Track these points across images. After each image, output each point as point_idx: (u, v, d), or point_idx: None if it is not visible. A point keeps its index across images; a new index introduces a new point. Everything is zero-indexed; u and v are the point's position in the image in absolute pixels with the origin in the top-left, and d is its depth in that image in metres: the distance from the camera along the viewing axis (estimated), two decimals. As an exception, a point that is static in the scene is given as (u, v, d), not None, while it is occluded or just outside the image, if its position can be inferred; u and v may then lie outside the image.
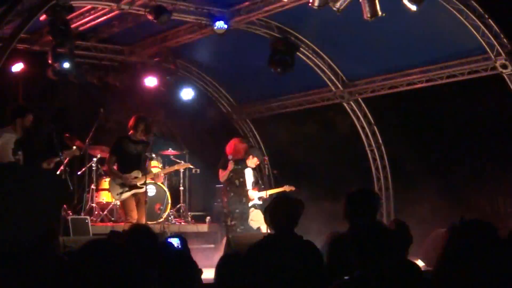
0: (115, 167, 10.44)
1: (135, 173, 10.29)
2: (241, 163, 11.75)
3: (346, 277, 4.29)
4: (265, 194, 12.04)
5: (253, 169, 12.10)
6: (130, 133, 10.37)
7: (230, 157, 11.60)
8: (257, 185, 12.25)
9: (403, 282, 4.07)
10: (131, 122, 10.37)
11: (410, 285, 4.13)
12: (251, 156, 11.91)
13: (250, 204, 11.86)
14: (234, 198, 11.61)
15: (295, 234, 5.65)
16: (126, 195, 10.19)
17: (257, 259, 5.31)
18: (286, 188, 12.28)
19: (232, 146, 11.76)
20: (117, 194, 10.24)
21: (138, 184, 10.25)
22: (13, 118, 9.47)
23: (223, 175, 11.68)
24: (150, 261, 4.64)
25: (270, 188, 12.68)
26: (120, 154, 10.34)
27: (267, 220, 5.85)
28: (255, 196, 12.03)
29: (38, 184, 7.58)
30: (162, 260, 4.63)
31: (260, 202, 12.02)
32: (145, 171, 10.44)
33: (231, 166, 11.58)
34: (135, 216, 10.09)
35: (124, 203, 10.28)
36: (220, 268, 4.74)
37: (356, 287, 4.14)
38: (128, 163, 10.33)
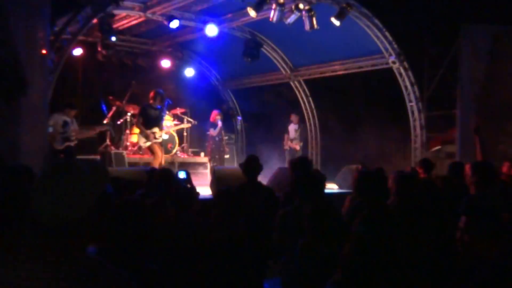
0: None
1: (154, 129, 10.37)
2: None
3: (289, 207, 4.31)
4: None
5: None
6: (150, 102, 10.37)
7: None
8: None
9: (324, 206, 3.71)
10: (151, 94, 10.34)
11: (326, 206, 3.74)
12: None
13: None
14: (214, 149, 12.04)
15: (259, 182, 5.58)
16: (148, 143, 10.31)
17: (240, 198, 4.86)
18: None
19: (213, 115, 12.12)
20: (143, 143, 10.37)
21: (157, 136, 10.37)
22: (64, 107, 9.49)
23: (212, 134, 11.99)
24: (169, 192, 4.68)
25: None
26: (144, 116, 10.32)
27: (243, 171, 5.58)
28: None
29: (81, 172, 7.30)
30: (175, 188, 4.57)
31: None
32: (161, 128, 10.56)
33: (213, 131, 11.93)
34: (158, 155, 10.23)
35: (150, 148, 10.37)
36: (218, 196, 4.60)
37: (295, 213, 4.16)
38: (149, 123, 10.30)
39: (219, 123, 12.06)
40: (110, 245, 2.37)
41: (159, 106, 10.51)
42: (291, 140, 12.84)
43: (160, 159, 10.16)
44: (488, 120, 10.51)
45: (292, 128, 12.94)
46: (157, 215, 2.56)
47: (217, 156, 12.01)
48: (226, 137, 12.87)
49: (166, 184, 4.62)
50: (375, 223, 2.54)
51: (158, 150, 10.31)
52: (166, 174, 4.84)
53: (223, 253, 2.00)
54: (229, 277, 1.97)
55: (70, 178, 1.65)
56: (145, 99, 10.70)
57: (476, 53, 10.61)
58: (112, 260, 1.89)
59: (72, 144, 9.56)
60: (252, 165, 5.51)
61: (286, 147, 12.89)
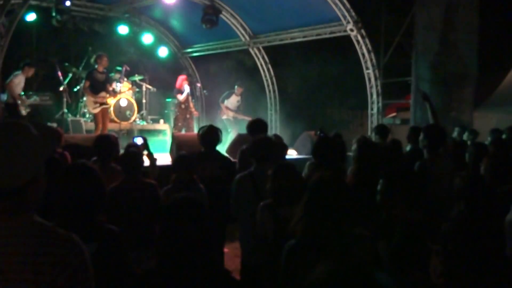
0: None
1: (102, 94, 10.24)
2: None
3: (246, 171, 4.23)
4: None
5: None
6: (96, 66, 10.26)
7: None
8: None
9: (287, 166, 3.62)
10: (95, 58, 10.26)
11: (289, 166, 3.64)
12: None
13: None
14: (179, 116, 11.80)
15: (217, 151, 5.42)
16: (97, 109, 10.17)
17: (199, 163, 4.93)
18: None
19: (180, 81, 11.87)
20: (93, 108, 10.25)
21: (105, 101, 10.25)
22: (23, 66, 9.33)
23: (179, 100, 11.72)
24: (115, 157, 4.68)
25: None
26: (91, 81, 10.19)
27: (200, 142, 5.35)
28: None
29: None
30: (127, 155, 4.43)
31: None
32: (108, 92, 10.42)
33: (180, 97, 11.65)
34: (99, 125, 10.21)
35: (96, 115, 10.26)
36: (177, 162, 4.61)
37: (252, 177, 4.10)
38: (97, 87, 10.18)
39: (186, 89, 11.83)
40: (60, 209, 2.34)
41: (104, 70, 10.34)
42: (232, 110, 12.47)
43: (99, 128, 10.01)
44: (440, 87, 10.74)
45: (235, 99, 12.54)
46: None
47: (180, 124, 11.71)
48: (197, 113, 12.53)
49: (106, 148, 4.57)
50: (329, 184, 2.53)
51: (99, 119, 10.20)
52: (104, 139, 4.77)
53: (181, 215, 1.95)
54: (188, 240, 1.93)
55: (13, 139, 1.57)
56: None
57: (430, 22, 10.73)
58: (65, 224, 1.85)
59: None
60: (208, 136, 5.31)
61: (225, 116, 12.38)
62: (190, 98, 12.06)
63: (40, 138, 1.63)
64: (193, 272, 1.91)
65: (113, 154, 4.57)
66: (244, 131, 11.52)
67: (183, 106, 11.78)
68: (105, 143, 4.62)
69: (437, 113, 6.00)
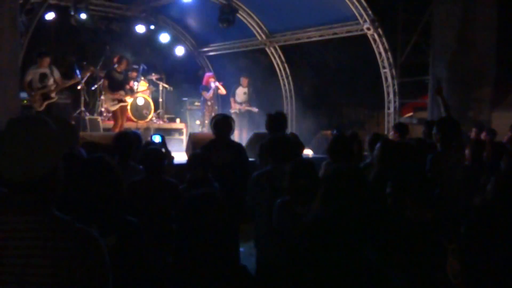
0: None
1: (121, 92, 10.33)
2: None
3: (263, 169, 4.20)
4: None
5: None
6: (115, 66, 10.33)
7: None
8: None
9: (305, 163, 3.63)
10: (116, 58, 10.36)
11: (307, 163, 3.64)
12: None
13: None
14: (205, 113, 11.86)
15: (230, 138, 5.48)
16: (115, 106, 10.25)
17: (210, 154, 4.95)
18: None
19: (206, 78, 11.93)
20: (111, 106, 10.31)
21: (123, 99, 10.32)
22: (36, 58, 9.16)
23: (205, 97, 11.81)
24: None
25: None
26: (109, 80, 10.27)
27: (212, 130, 5.45)
28: None
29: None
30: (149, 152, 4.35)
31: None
32: (127, 92, 10.54)
33: (206, 94, 11.71)
34: (118, 122, 10.32)
35: (114, 112, 10.34)
36: (191, 160, 4.62)
37: (269, 175, 4.03)
38: (114, 86, 10.25)
39: (213, 86, 11.81)
40: (78, 202, 2.33)
41: (123, 71, 10.46)
42: (240, 104, 12.24)
43: (119, 126, 10.08)
44: (458, 86, 10.61)
45: (241, 91, 12.35)
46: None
47: (206, 121, 11.70)
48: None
49: (125, 146, 4.49)
50: (345, 175, 2.49)
51: (119, 116, 10.26)
52: (123, 137, 4.71)
53: (199, 210, 1.95)
54: (206, 235, 1.93)
55: (31, 133, 1.59)
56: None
57: (448, 20, 10.60)
58: (84, 218, 1.85)
59: (52, 101, 9.27)
60: (219, 124, 5.34)
61: (233, 110, 12.15)
62: (219, 91, 12.02)
63: (58, 132, 1.64)
64: (210, 267, 1.91)
65: (133, 152, 4.51)
66: (248, 123, 11.71)
67: (209, 103, 11.84)
68: (124, 141, 4.56)
69: (450, 106, 5.91)
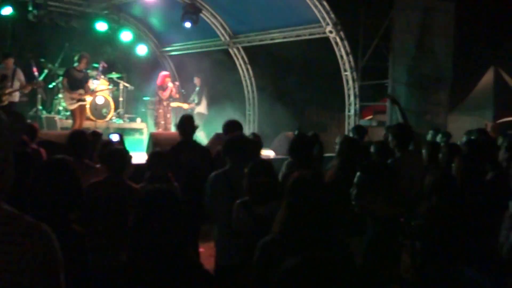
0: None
1: (80, 91, 10.16)
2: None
3: (221, 170, 4.17)
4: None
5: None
6: (75, 64, 10.18)
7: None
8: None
9: (264, 164, 3.62)
10: (76, 57, 10.19)
11: (266, 164, 3.65)
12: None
13: None
14: (161, 114, 11.68)
15: (194, 140, 5.59)
16: (74, 105, 10.09)
17: (175, 155, 5.05)
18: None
19: (162, 78, 11.80)
20: (69, 104, 10.14)
21: (82, 98, 10.19)
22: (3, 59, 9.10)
23: (162, 97, 11.63)
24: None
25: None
26: (68, 78, 10.11)
27: (179, 131, 5.58)
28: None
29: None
30: (104, 151, 4.31)
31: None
32: (87, 91, 10.40)
33: (163, 94, 11.58)
34: (77, 121, 10.16)
35: (73, 111, 10.16)
36: (151, 158, 4.62)
37: (227, 176, 4.02)
38: (74, 85, 10.10)
39: (169, 85, 11.71)
40: (33, 204, 2.25)
41: (83, 70, 10.30)
42: (191, 102, 12.42)
43: (78, 125, 9.91)
44: (416, 90, 10.88)
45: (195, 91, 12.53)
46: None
47: (162, 122, 11.57)
48: (188, 105, 12.40)
49: (80, 145, 4.43)
50: (310, 183, 2.51)
51: (77, 115, 10.13)
52: (77, 135, 4.63)
53: (154, 205, 1.92)
54: (161, 231, 1.89)
55: None
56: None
57: (407, 25, 10.86)
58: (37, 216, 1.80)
59: (3, 104, 9.06)
60: (185, 125, 5.47)
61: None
62: (174, 92, 11.95)
63: (9, 124, 1.58)
64: (166, 265, 1.88)
65: (88, 151, 4.44)
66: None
67: (165, 103, 11.68)
68: (78, 139, 4.49)
69: (406, 114, 6.17)
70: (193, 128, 5.54)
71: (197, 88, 12.54)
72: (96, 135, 5.51)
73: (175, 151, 5.20)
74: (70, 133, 5.09)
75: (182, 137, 5.47)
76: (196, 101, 12.47)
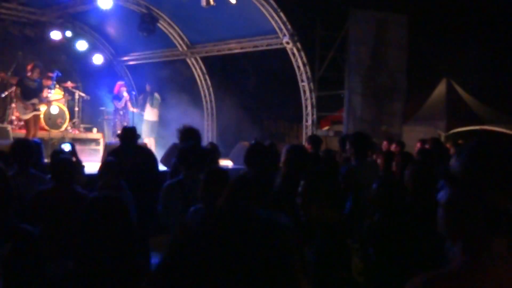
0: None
1: (34, 101, 9.95)
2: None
3: (175, 179, 4.16)
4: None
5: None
6: (28, 74, 9.96)
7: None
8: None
9: (219, 171, 3.68)
10: (29, 66, 9.96)
11: (222, 171, 3.68)
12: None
13: None
14: (117, 123, 11.55)
15: (137, 144, 5.80)
16: (28, 115, 9.88)
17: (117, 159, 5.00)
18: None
19: (117, 87, 11.68)
20: (23, 114, 9.92)
21: (36, 108, 9.97)
22: None
23: (117, 106, 11.55)
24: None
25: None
26: (22, 88, 9.88)
27: (120, 137, 5.84)
28: None
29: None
30: (53, 161, 4.29)
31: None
32: (41, 100, 10.20)
33: (118, 103, 11.45)
34: (30, 131, 9.93)
35: (26, 121, 9.97)
36: (102, 167, 4.70)
37: (181, 185, 4.01)
38: (28, 94, 9.88)
39: (125, 95, 11.58)
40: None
41: (37, 80, 10.09)
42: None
43: (32, 135, 9.70)
44: (372, 101, 11.12)
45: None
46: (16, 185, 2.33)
47: (119, 132, 11.42)
48: (136, 110, 12.20)
49: (23, 154, 4.32)
50: (249, 181, 2.53)
51: (32, 125, 9.93)
52: (20, 144, 4.51)
53: (100, 211, 1.88)
54: (108, 237, 1.86)
55: None
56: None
57: (362, 37, 11.13)
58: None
59: None
60: (126, 135, 5.63)
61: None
62: (129, 104, 11.82)
63: None
64: (113, 273, 1.84)
65: (32, 160, 4.34)
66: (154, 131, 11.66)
67: (121, 112, 11.54)
68: (22, 148, 4.37)
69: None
70: (134, 135, 5.64)
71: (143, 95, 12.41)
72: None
73: (115, 155, 5.26)
74: (13, 142, 4.98)
75: (122, 143, 5.66)
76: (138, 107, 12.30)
